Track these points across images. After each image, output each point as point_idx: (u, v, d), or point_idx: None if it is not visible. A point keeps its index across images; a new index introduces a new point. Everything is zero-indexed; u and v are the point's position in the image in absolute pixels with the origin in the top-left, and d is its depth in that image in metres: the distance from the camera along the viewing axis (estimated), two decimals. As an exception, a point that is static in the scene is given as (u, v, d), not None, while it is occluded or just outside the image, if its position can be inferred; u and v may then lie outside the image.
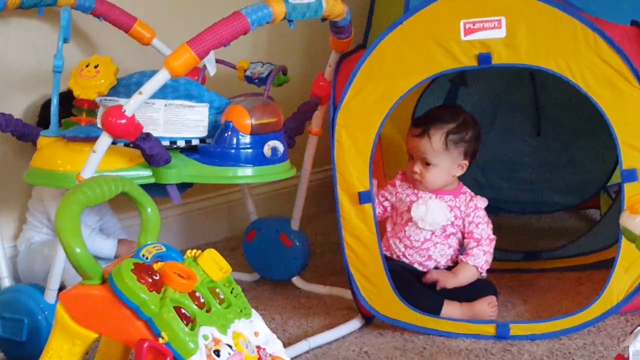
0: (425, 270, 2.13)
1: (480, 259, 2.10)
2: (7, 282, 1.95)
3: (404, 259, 2.13)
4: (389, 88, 1.94)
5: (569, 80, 1.88)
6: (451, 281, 2.07)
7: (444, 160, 2.10)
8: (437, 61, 1.92)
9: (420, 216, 2.11)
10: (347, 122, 1.96)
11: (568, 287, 2.28)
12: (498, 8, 1.88)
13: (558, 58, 1.88)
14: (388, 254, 2.12)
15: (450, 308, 2.03)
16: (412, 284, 2.05)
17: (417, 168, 2.11)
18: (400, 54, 1.93)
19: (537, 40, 1.88)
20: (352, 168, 1.96)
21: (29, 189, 2.20)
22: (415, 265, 2.13)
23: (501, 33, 1.88)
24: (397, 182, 2.17)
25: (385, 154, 2.34)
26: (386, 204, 2.17)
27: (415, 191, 2.14)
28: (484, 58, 1.89)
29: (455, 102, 2.77)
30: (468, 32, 1.89)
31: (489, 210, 2.20)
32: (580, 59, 1.87)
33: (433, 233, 2.12)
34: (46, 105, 2.15)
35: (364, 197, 1.96)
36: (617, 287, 1.93)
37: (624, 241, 1.84)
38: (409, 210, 2.12)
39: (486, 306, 2.04)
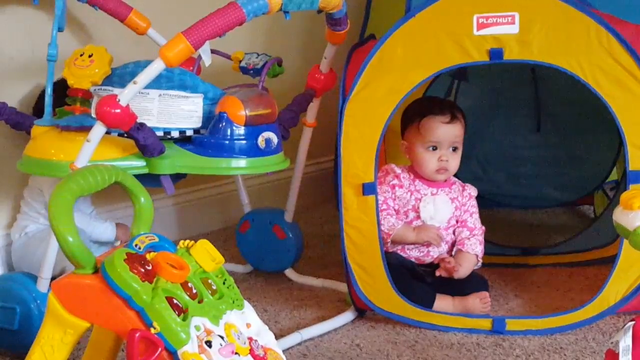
0: (420, 263, 2.13)
1: (477, 247, 2.12)
2: (-1, 271, 1.95)
3: (402, 253, 2.13)
4: (399, 81, 1.94)
5: (580, 79, 1.87)
6: (459, 271, 2.08)
7: (463, 142, 2.14)
8: (448, 55, 1.91)
9: (429, 215, 2.12)
10: (355, 113, 1.96)
11: (560, 283, 2.28)
12: (512, 4, 1.88)
13: (570, 56, 1.87)
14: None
15: (442, 302, 2.03)
16: (405, 277, 2.05)
17: (447, 156, 2.11)
18: (412, 47, 1.93)
19: (550, 37, 1.88)
20: (358, 159, 1.96)
21: (23, 178, 2.20)
22: (412, 260, 2.13)
23: (514, 29, 1.88)
24: (404, 182, 2.14)
25: (389, 146, 2.34)
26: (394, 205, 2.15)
27: (417, 187, 2.13)
28: (496, 53, 1.89)
29: (456, 97, 2.77)
30: (481, 26, 1.89)
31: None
32: (592, 58, 1.87)
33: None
34: (42, 95, 2.14)
35: (368, 189, 1.96)
36: (615, 287, 1.94)
37: (625, 241, 1.85)
38: (414, 209, 2.12)
39: (478, 301, 2.04)
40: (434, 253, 2.14)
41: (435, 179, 2.14)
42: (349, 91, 1.96)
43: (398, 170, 2.15)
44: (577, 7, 1.86)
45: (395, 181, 2.13)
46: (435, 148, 2.11)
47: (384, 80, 1.94)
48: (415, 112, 2.14)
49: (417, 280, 2.08)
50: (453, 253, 2.14)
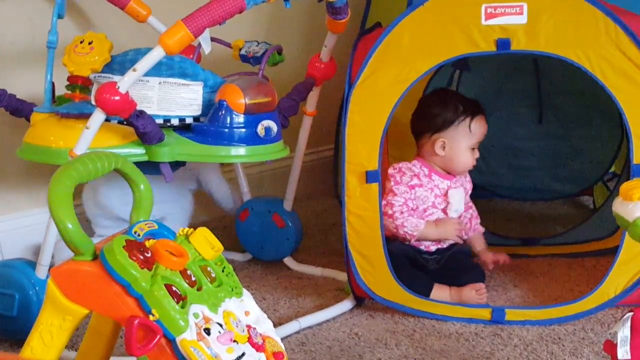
0: (426, 250, 2.15)
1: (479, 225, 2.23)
2: (-2, 258, 1.95)
3: (408, 244, 2.14)
4: (405, 69, 1.93)
5: (587, 70, 1.87)
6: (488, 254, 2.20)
7: None
8: (455, 45, 1.91)
9: (454, 209, 2.16)
10: (360, 100, 1.95)
11: (559, 273, 2.28)
12: None
13: (577, 48, 1.87)
14: (388, 233, 2.13)
15: (439, 291, 2.04)
16: (405, 266, 2.06)
17: (477, 153, 2.17)
18: (419, 36, 1.92)
19: (557, 28, 1.87)
20: (362, 147, 1.96)
21: (22, 165, 2.20)
22: (421, 248, 2.15)
23: (522, 19, 1.88)
24: (423, 180, 2.14)
25: (392, 135, 2.34)
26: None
27: (436, 183, 2.15)
28: (503, 43, 1.89)
29: (458, 88, 2.77)
30: (489, 16, 1.88)
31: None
32: (600, 50, 1.86)
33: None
34: None
35: (371, 176, 1.96)
36: (616, 280, 1.94)
37: (627, 235, 1.85)
38: (434, 205, 2.14)
39: (474, 292, 2.05)
40: (443, 242, 2.17)
41: (463, 174, 2.19)
42: (355, 78, 1.95)
43: (416, 169, 2.14)
44: None
45: (415, 181, 2.13)
46: (472, 149, 2.16)
47: (390, 69, 1.93)
48: (463, 110, 2.14)
49: (418, 269, 2.09)
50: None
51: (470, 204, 2.24)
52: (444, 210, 2.15)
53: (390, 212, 2.08)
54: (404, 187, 2.11)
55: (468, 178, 2.22)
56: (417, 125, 2.20)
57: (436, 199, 2.14)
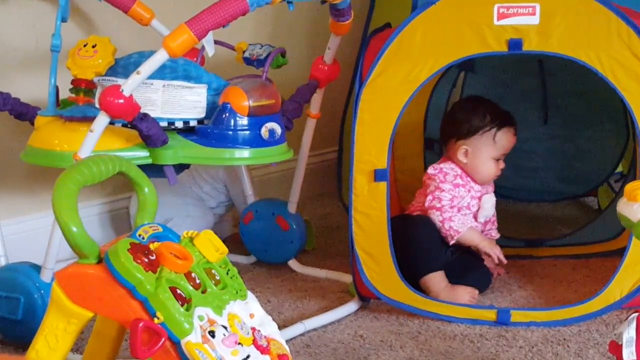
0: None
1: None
2: (2, 261, 1.95)
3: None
4: (416, 68, 1.93)
5: (599, 72, 1.87)
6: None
7: None
8: (466, 44, 1.91)
9: (485, 215, 2.18)
10: (371, 99, 1.95)
11: (563, 275, 2.28)
12: None
13: (589, 49, 1.87)
14: (418, 212, 2.16)
15: (437, 277, 2.06)
16: (433, 234, 2.09)
17: (503, 164, 2.19)
18: (431, 35, 1.92)
19: (570, 29, 1.87)
20: (371, 145, 1.96)
21: (26, 169, 2.20)
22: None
23: (535, 20, 1.88)
24: (465, 180, 2.15)
25: (396, 134, 2.34)
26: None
27: (472, 186, 2.17)
28: (515, 44, 1.89)
29: (463, 89, 2.77)
30: (501, 16, 1.89)
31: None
32: (612, 52, 1.86)
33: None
34: None
35: (380, 175, 1.96)
36: (621, 283, 1.93)
37: (634, 238, 1.84)
38: (468, 207, 2.15)
39: (466, 295, 2.05)
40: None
41: (486, 184, 2.20)
42: (365, 77, 1.95)
43: (459, 171, 2.16)
44: (598, 0, 1.85)
45: (459, 180, 2.14)
46: (497, 160, 2.17)
47: (401, 67, 1.94)
48: (491, 120, 2.16)
49: (443, 247, 2.13)
50: None
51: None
52: (475, 214, 2.16)
53: (438, 205, 2.09)
54: (449, 185, 2.12)
55: (492, 187, 2.23)
56: (444, 130, 2.22)
57: (471, 201, 2.15)
